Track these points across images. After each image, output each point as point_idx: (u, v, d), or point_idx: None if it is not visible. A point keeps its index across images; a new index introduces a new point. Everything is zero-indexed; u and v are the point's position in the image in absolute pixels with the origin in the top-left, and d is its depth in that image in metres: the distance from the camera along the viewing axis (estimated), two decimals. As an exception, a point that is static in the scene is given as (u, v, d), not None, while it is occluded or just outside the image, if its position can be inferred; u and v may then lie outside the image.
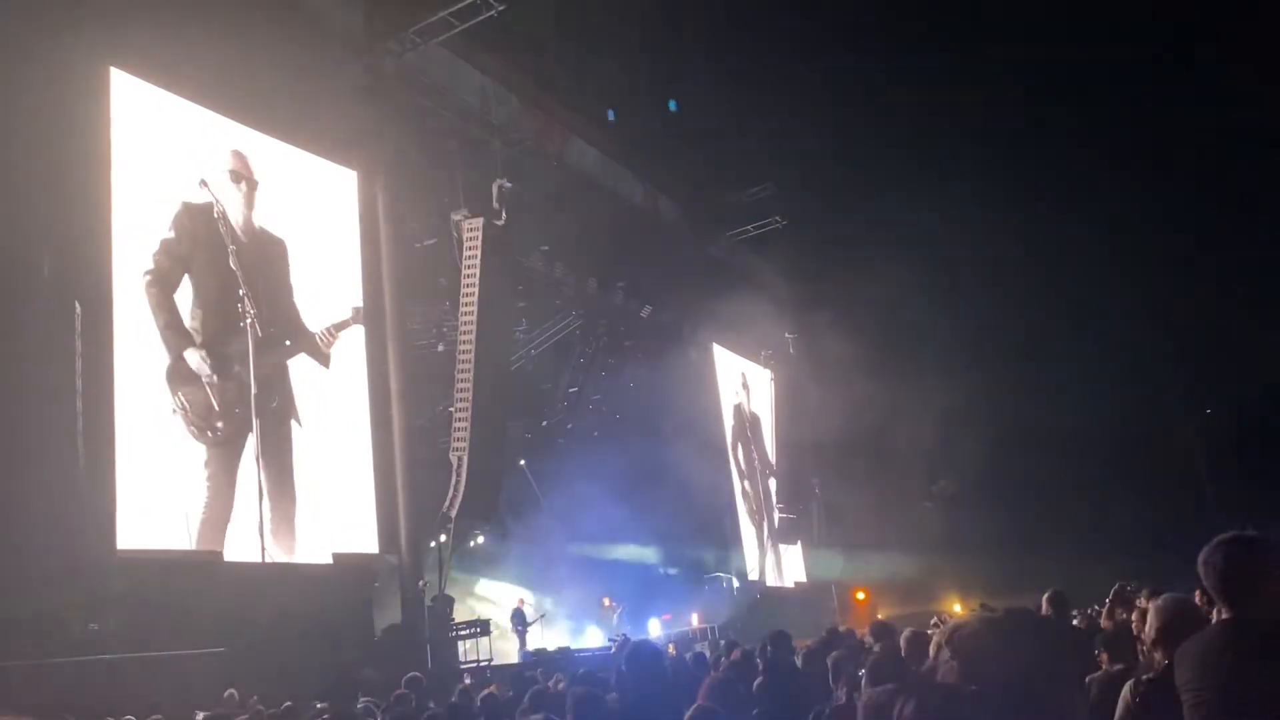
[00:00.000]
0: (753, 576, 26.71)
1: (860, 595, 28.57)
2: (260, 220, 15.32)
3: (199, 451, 13.59)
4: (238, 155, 15.06)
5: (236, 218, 14.87)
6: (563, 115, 22.17)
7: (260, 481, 14.16)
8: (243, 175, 15.03)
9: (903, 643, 4.82)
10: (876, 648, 5.26)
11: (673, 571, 25.03)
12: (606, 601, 24.13)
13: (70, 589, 11.33)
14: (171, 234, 13.88)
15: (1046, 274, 28.75)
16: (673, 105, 24.75)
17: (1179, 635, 3.68)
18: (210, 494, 13.55)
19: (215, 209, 14.45)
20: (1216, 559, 2.81)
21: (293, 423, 15.20)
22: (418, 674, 9.06)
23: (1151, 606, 4.07)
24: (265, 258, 15.33)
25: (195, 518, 13.29)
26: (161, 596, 12.11)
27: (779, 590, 27.49)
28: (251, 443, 14.28)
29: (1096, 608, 8.94)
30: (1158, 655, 3.82)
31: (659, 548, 25.22)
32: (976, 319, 28.37)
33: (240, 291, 14.44)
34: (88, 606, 11.54)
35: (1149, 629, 3.89)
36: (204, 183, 14.37)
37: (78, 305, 12.46)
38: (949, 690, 2.59)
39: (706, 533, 25.92)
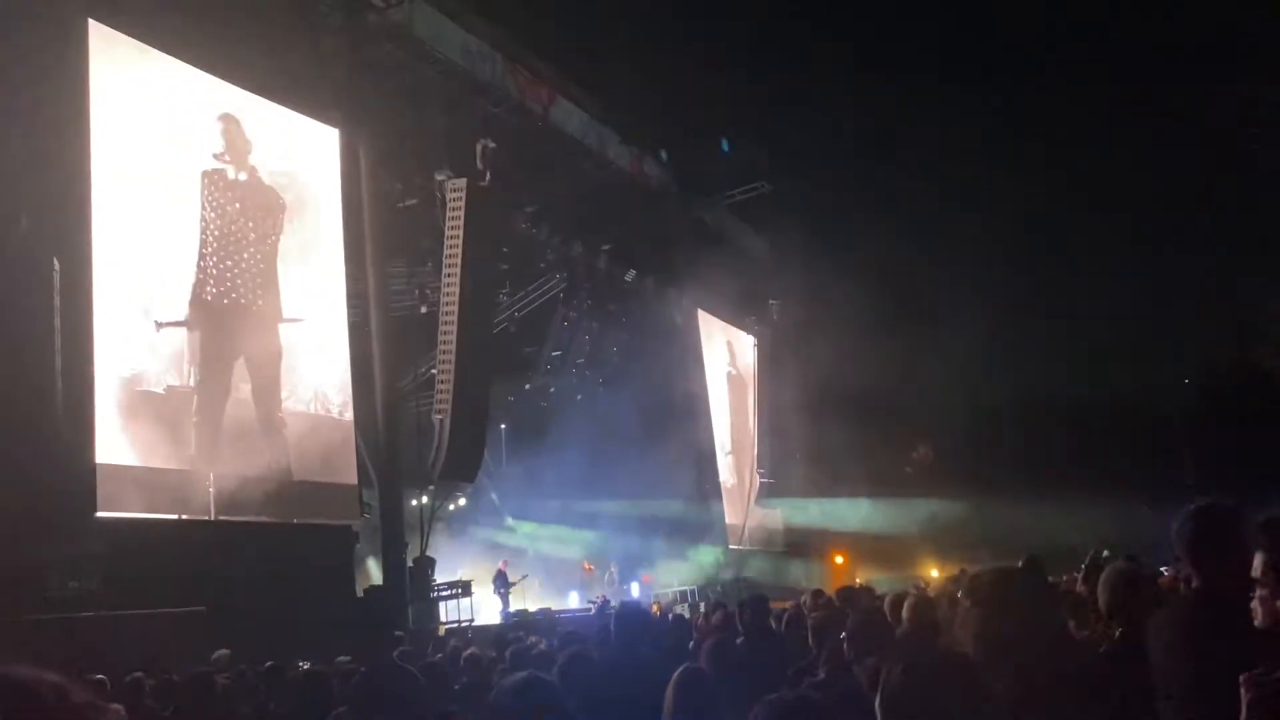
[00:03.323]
0: (733, 540, 26.91)
1: (839, 559, 28.86)
2: (250, 178, 15.24)
3: (180, 406, 13.55)
4: (230, 119, 14.93)
5: (232, 178, 14.83)
6: (549, 76, 21.94)
7: (242, 437, 14.16)
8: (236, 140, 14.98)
9: (886, 607, 4.88)
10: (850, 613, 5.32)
11: (657, 539, 25.17)
12: (588, 565, 24.27)
13: (50, 546, 11.32)
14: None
15: (1030, 243, 28.89)
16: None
17: (1126, 606, 3.73)
18: (192, 449, 13.55)
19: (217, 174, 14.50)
20: (1188, 528, 2.84)
21: (277, 381, 15.18)
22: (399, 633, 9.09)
23: (1101, 579, 4.09)
24: (255, 218, 15.28)
25: (176, 474, 13.27)
26: (142, 555, 12.10)
27: (759, 553, 27.71)
28: (233, 400, 14.26)
29: (1075, 574, 9.05)
30: (1110, 626, 3.86)
31: (641, 511, 25.33)
32: (960, 285, 28.49)
33: (231, 252, 14.41)
34: (68, 564, 11.53)
35: (1100, 601, 3.93)
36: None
37: (56, 262, 12.33)
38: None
39: (688, 496, 26.06)
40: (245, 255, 14.94)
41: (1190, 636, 2.72)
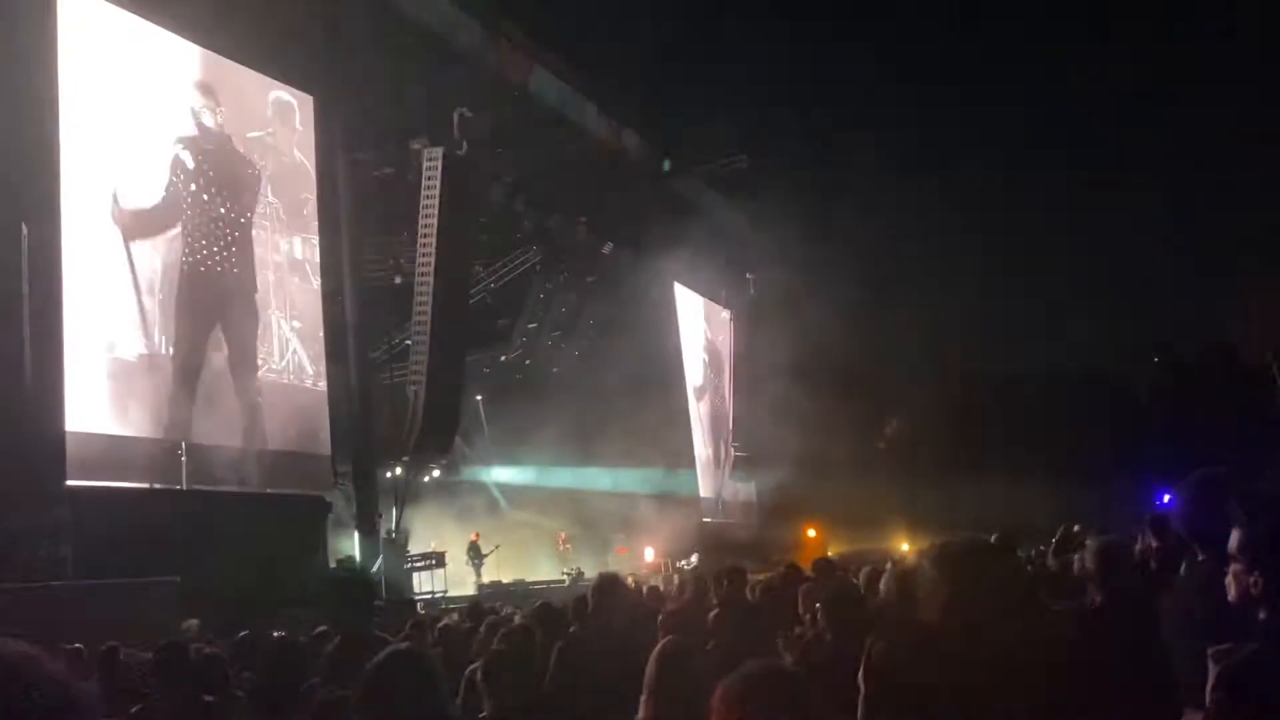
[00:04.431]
0: (707, 512, 27.05)
1: (811, 532, 29.08)
2: (224, 146, 15.06)
3: (153, 374, 13.41)
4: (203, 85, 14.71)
5: (205, 145, 14.63)
6: (528, 45, 21.71)
7: (215, 406, 14.05)
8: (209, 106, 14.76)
9: (863, 579, 4.91)
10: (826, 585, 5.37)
11: (632, 511, 25.26)
12: (563, 537, 24.31)
13: (19, 515, 11.20)
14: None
15: (1004, 218, 29.06)
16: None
17: (1114, 575, 3.81)
18: (166, 419, 13.44)
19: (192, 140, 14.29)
20: (1184, 499, 2.87)
21: (254, 350, 15.09)
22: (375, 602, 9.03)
23: (1087, 547, 4.20)
24: (229, 185, 15.12)
25: (148, 443, 13.17)
26: (113, 524, 12.00)
27: (732, 525, 27.88)
28: (208, 369, 14.15)
29: (1041, 548, 9.17)
30: (1095, 594, 3.95)
31: (615, 483, 25.40)
32: (933, 260, 28.67)
33: (205, 219, 14.27)
34: (38, 533, 11.42)
35: (1088, 570, 4.02)
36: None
37: (24, 227, 12.13)
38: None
39: (663, 468, 26.14)
40: (219, 222, 14.76)
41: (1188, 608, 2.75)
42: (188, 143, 14.47)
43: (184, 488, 13.32)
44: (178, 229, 14.16)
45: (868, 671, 2.49)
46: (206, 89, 14.88)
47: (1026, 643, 2.69)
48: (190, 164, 14.35)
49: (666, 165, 24.56)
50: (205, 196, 14.67)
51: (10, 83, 12.20)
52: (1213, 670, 2.12)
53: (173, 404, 13.62)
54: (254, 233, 15.42)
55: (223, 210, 14.87)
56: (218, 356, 14.49)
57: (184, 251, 14.16)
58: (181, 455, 13.16)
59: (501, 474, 25.15)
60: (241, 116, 15.54)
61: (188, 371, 13.92)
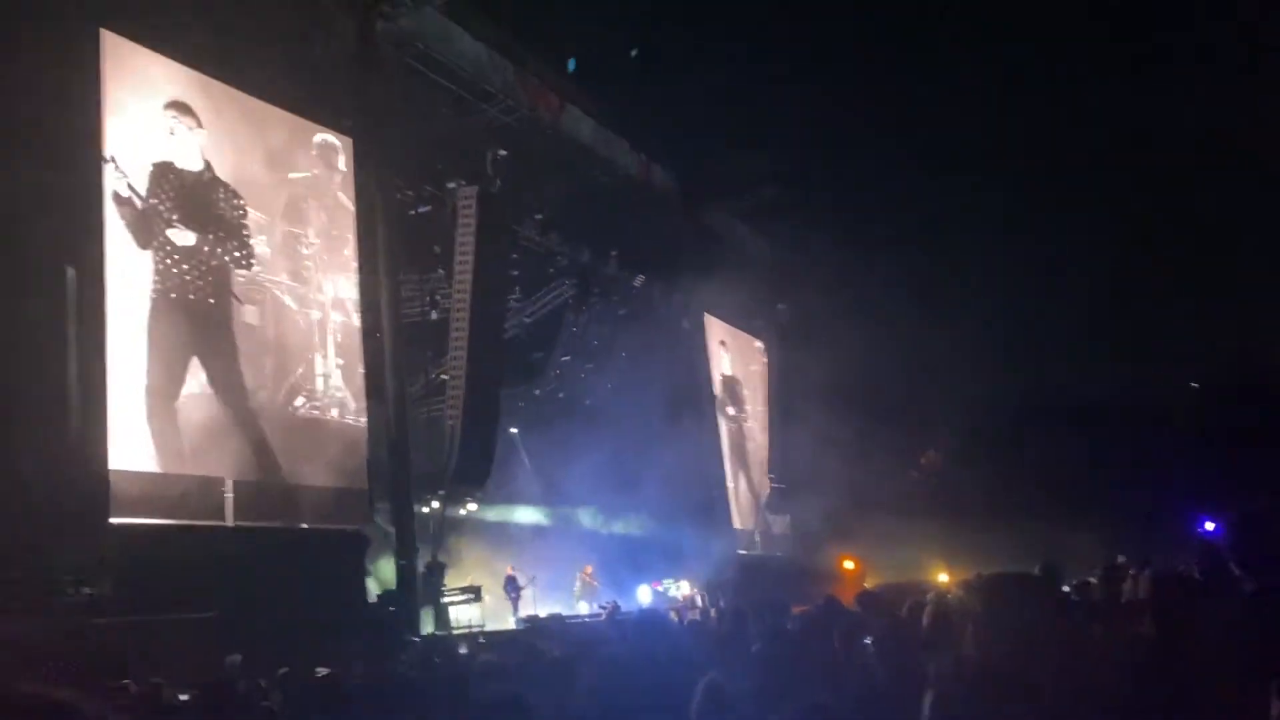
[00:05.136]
0: (742, 544, 26.89)
1: (849, 564, 28.76)
2: (258, 185, 15.25)
3: (194, 412, 13.59)
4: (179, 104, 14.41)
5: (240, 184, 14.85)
6: (558, 83, 21.99)
7: (256, 444, 14.20)
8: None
9: (905, 612, 4.87)
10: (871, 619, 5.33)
11: (667, 544, 25.12)
12: (588, 570, 24.18)
13: (64, 552, 11.36)
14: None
15: (1042, 244, 28.76)
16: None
17: (1169, 606, 3.76)
18: (206, 455, 13.61)
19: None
20: (1232, 531, 2.85)
21: (291, 385, 15.25)
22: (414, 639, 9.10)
23: (1143, 577, 4.15)
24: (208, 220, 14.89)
25: (189, 480, 13.32)
26: (155, 561, 12.15)
27: (768, 558, 27.68)
28: (249, 406, 14.32)
29: (1089, 579, 9.03)
30: (1148, 624, 3.90)
31: (648, 516, 25.30)
32: (969, 288, 28.43)
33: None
34: (81, 570, 11.57)
35: (1140, 600, 3.97)
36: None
37: (70, 271, 12.41)
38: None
39: (696, 501, 26.03)
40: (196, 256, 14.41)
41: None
42: (223, 185, 14.64)
43: (224, 524, 13.46)
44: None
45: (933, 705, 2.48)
46: (251, 132, 15.14)
47: (1077, 676, 2.67)
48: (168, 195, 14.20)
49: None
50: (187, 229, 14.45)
51: (54, 126, 12.52)
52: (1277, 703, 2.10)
53: (211, 442, 13.75)
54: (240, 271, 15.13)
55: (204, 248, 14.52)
56: (260, 395, 14.66)
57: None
58: (225, 492, 13.30)
59: (536, 506, 25.12)
60: (283, 158, 15.80)
61: (224, 410, 14.08)
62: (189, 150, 14.31)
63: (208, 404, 14.05)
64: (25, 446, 11.60)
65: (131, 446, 12.68)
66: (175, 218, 13.89)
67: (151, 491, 12.79)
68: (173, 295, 13.73)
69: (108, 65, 13.24)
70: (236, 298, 14.61)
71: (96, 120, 12.97)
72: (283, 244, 15.75)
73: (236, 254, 14.71)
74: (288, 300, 15.69)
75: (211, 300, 14.31)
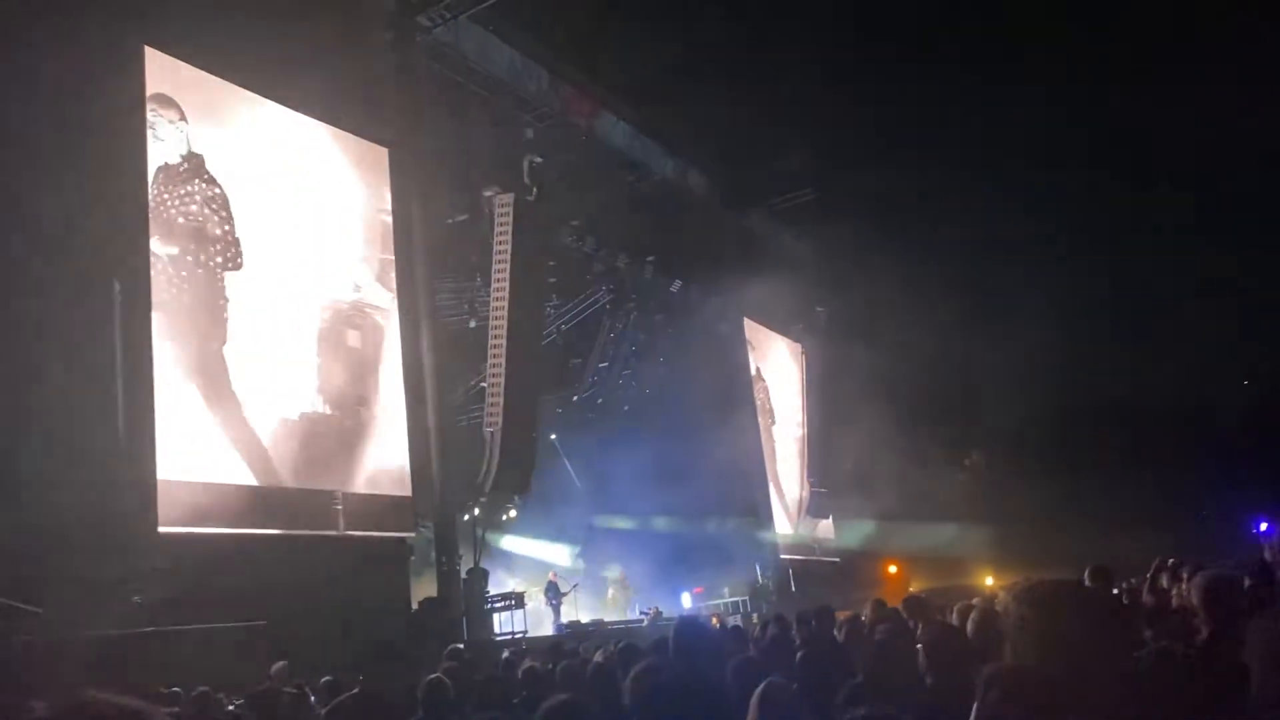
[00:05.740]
0: (784, 550, 26.74)
1: (893, 568, 28.52)
2: (276, 191, 15.45)
3: (239, 425, 13.76)
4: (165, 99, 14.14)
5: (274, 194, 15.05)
6: (592, 89, 22.07)
7: (300, 452, 14.35)
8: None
9: (955, 617, 4.79)
10: (919, 625, 5.25)
11: (707, 549, 25.05)
12: (619, 573, 24.18)
13: (114, 562, 11.52)
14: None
15: (1087, 244, 28.33)
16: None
17: (1222, 609, 3.68)
18: (253, 464, 13.77)
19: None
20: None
21: (349, 396, 15.44)
22: (458, 645, 9.15)
23: (1195, 581, 4.06)
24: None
25: (235, 489, 13.49)
26: (203, 569, 12.26)
27: (811, 563, 27.51)
28: (291, 416, 14.47)
29: (1133, 581, 8.88)
30: (1202, 628, 3.81)
31: (689, 522, 25.26)
32: (1012, 290, 28.04)
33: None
34: (132, 579, 11.74)
35: (1194, 604, 3.89)
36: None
37: (116, 284, 12.62)
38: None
39: (738, 506, 25.94)
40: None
41: None
42: (258, 196, 14.85)
43: (270, 532, 13.61)
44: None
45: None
46: (288, 144, 15.34)
47: (1130, 681, 2.61)
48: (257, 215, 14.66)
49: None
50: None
51: (100, 140, 12.75)
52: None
53: (256, 450, 13.93)
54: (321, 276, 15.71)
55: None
56: (315, 399, 14.93)
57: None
58: (268, 501, 13.43)
59: (574, 513, 25.15)
60: (320, 170, 15.99)
61: (268, 418, 14.24)
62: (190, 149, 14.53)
63: (309, 422, 14.58)
64: (75, 456, 11.78)
65: (178, 455, 12.85)
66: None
67: (199, 500, 12.95)
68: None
69: (151, 81, 13.47)
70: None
71: (140, 133, 13.21)
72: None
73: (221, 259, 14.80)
74: (378, 320, 16.34)
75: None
